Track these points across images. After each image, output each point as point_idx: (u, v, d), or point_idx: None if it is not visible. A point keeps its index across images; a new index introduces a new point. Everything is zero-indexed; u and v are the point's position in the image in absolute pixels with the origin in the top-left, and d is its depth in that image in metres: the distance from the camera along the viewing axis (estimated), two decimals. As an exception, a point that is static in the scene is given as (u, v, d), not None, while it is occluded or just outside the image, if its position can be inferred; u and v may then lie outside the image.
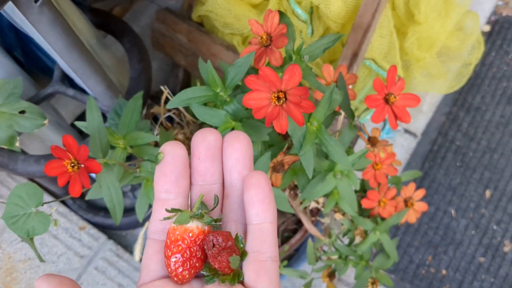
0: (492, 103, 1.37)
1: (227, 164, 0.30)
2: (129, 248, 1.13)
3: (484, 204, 1.25)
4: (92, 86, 0.76)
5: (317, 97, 0.61)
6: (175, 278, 0.29)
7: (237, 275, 0.29)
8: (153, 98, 1.04)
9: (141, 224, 1.13)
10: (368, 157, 0.66)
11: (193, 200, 0.31)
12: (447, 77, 1.18)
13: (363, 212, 0.76)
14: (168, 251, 0.29)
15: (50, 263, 1.09)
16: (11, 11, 0.60)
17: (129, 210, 1.11)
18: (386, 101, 0.51)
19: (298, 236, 0.92)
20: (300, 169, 0.63)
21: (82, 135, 1.05)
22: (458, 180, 1.28)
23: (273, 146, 0.63)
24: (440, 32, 1.04)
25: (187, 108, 0.78)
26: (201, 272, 0.29)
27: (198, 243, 0.29)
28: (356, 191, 0.75)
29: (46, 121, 0.70)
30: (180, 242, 0.28)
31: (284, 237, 0.96)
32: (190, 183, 0.31)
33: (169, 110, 0.80)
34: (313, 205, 0.82)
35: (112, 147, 0.55)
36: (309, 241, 0.78)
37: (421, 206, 0.75)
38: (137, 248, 0.81)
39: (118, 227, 1.15)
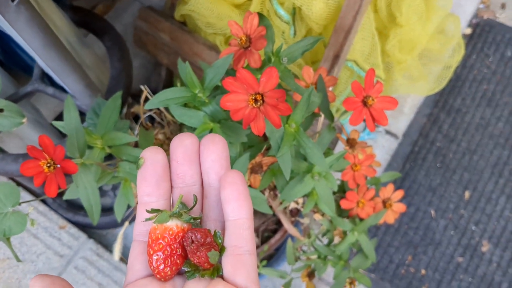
0: (472, 105, 1.39)
1: (204, 166, 0.31)
2: (109, 248, 1.12)
3: (463, 205, 1.27)
4: (71, 84, 0.76)
5: (296, 99, 0.62)
6: (158, 275, 0.30)
7: (216, 270, 0.30)
8: (134, 96, 1.04)
9: (121, 224, 1.12)
10: (347, 159, 0.66)
11: (175, 202, 0.32)
12: (428, 79, 1.20)
13: (342, 213, 0.76)
14: (150, 249, 0.29)
15: (29, 262, 1.07)
16: (-12, 10, 0.59)
17: (109, 209, 1.10)
18: (364, 103, 0.51)
19: (277, 236, 0.93)
20: (279, 170, 0.63)
21: (62, 134, 1.04)
22: (438, 181, 1.29)
23: (252, 147, 0.63)
24: (422, 35, 1.05)
25: (167, 108, 0.78)
26: (183, 268, 0.30)
27: (178, 240, 0.30)
28: (335, 192, 0.76)
29: (24, 120, 0.69)
30: (160, 241, 0.29)
31: (264, 237, 0.97)
32: (171, 186, 0.32)
33: (150, 110, 0.80)
34: (292, 205, 0.83)
35: (90, 147, 0.55)
36: (289, 241, 0.78)
37: (400, 207, 0.76)
38: (117, 248, 0.80)
39: (98, 226, 1.14)
